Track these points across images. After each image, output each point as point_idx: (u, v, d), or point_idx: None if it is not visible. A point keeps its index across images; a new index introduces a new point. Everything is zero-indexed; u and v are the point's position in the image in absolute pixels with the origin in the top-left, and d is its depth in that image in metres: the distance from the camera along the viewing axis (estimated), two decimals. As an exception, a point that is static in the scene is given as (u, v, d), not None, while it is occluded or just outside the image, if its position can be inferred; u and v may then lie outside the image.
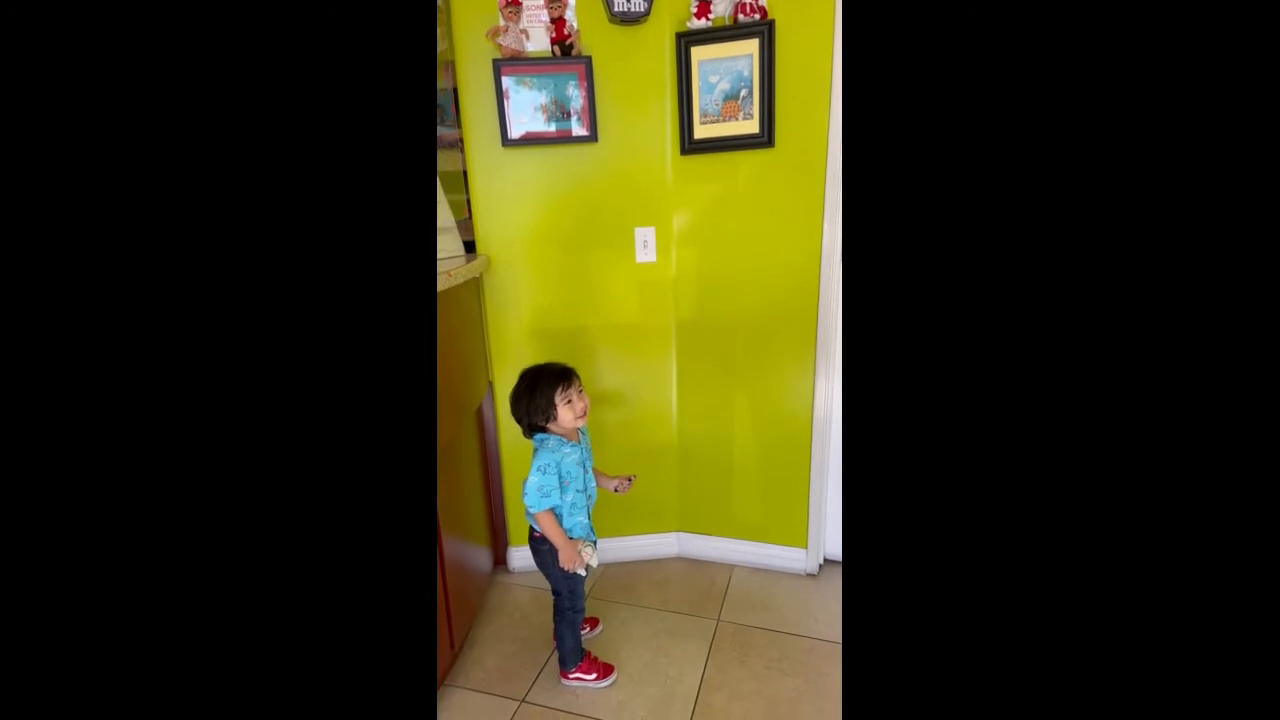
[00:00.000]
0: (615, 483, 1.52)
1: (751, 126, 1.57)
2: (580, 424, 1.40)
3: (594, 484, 1.48)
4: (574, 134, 1.62)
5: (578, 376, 1.41)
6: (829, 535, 1.87)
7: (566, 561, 1.39)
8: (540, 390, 1.37)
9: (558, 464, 1.37)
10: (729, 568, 1.92)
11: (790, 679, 1.48)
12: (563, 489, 1.39)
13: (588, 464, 1.46)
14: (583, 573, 1.41)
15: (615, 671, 1.50)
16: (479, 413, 1.78)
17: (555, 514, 1.39)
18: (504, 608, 1.79)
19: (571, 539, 1.40)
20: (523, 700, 1.45)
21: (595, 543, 1.46)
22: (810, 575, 1.86)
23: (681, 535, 1.98)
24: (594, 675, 1.48)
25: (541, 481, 1.36)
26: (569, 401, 1.36)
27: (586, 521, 1.45)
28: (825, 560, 1.90)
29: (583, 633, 1.60)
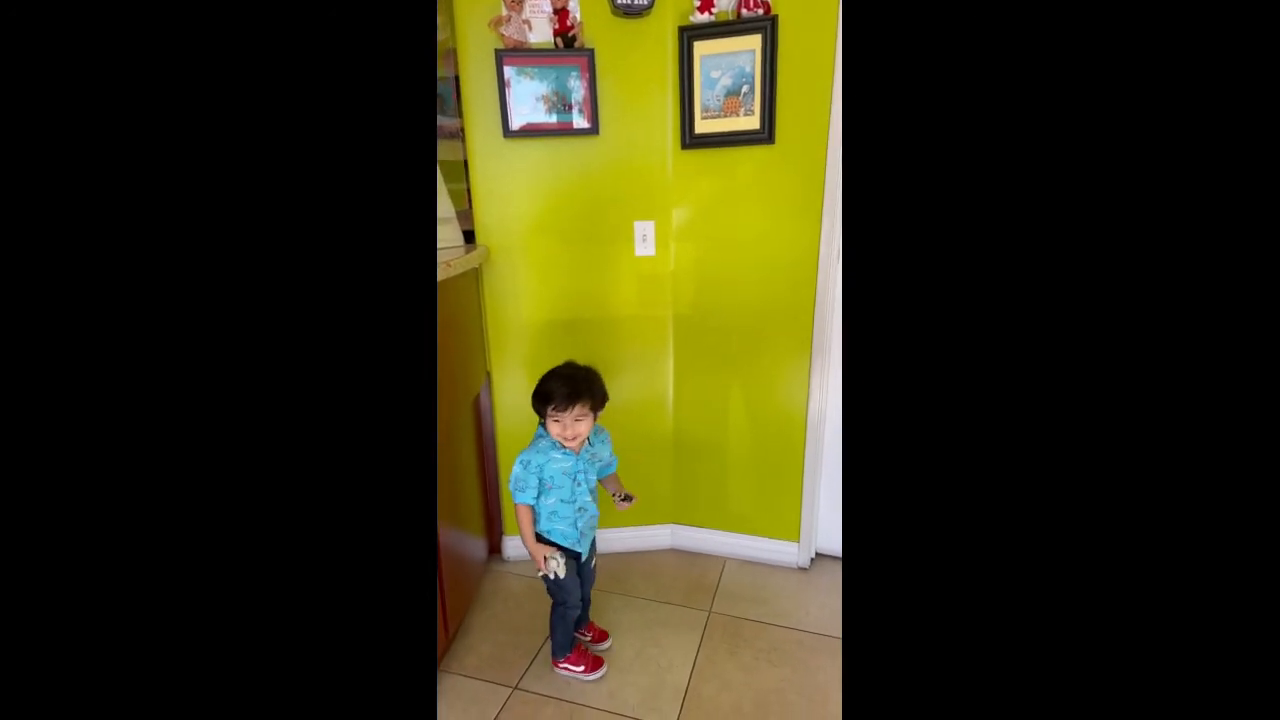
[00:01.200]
0: (619, 495, 1.50)
1: (752, 123, 1.57)
2: (569, 446, 1.36)
3: (588, 499, 1.43)
4: (575, 126, 1.62)
5: (586, 402, 1.33)
6: (821, 530, 1.89)
7: (534, 561, 1.40)
8: (541, 392, 1.35)
9: (540, 466, 1.36)
10: (721, 560, 1.94)
11: (779, 670, 1.50)
12: (544, 491, 1.37)
13: (583, 478, 1.40)
14: (550, 576, 1.40)
15: (604, 666, 1.51)
16: (476, 402, 1.79)
17: (534, 512, 1.39)
18: (498, 595, 1.81)
19: (547, 543, 1.41)
20: (515, 687, 1.47)
21: (578, 556, 1.44)
22: (802, 569, 1.88)
23: (675, 527, 1.99)
24: (582, 667, 1.49)
25: (519, 475, 1.36)
26: (557, 421, 1.33)
27: (571, 532, 1.42)
28: (817, 554, 1.92)
29: (590, 642, 1.60)
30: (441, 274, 1.34)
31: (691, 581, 1.85)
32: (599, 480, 1.50)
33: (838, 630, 1.62)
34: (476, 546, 1.80)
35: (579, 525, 1.42)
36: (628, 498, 1.50)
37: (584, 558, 1.47)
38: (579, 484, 1.40)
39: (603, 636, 1.61)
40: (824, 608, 1.71)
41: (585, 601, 1.54)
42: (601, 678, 1.49)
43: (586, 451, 1.41)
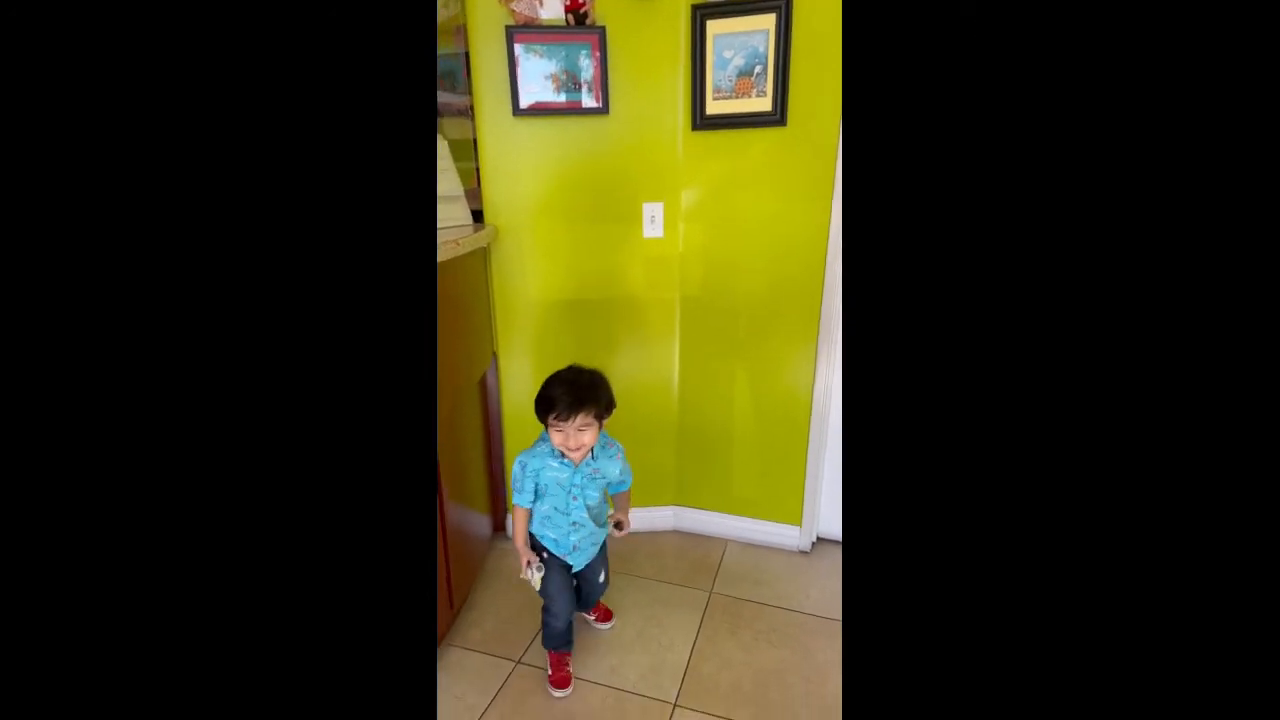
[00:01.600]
0: (613, 518, 1.47)
1: (764, 104, 1.55)
2: (570, 457, 1.30)
3: (583, 515, 1.37)
4: (584, 105, 1.61)
5: (590, 410, 1.26)
6: (823, 513, 1.90)
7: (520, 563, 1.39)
8: (543, 398, 1.29)
9: (537, 471, 1.33)
10: (723, 542, 1.96)
11: (779, 651, 1.52)
12: (539, 496, 1.35)
13: (579, 492, 1.35)
14: (530, 580, 1.37)
15: (569, 688, 1.41)
16: (483, 382, 1.80)
17: (531, 513, 1.38)
18: (502, 572, 1.83)
19: (534, 547, 1.40)
20: (518, 661, 1.50)
21: (569, 566, 1.42)
22: (803, 552, 1.90)
23: (678, 509, 2.01)
24: (549, 672, 1.44)
25: (516, 474, 1.35)
26: (559, 430, 1.27)
27: (564, 542, 1.39)
28: (819, 538, 1.94)
29: (595, 621, 1.61)
30: (449, 253, 1.34)
31: (694, 563, 1.86)
32: (610, 495, 1.45)
33: (837, 613, 1.63)
34: (481, 523, 1.82)
35: (573, 538, 1.38)
36: (619, 525, 1.46)
37: (580, 570, 1.44)
38: (572, 495, 1.35)
39: (607, 616, 1.63)
40: (824, 590, 1.73)
41: (588, 602, 1.55)
42: (561, 698, 1.40)
43: (587, 466, 1.34)
